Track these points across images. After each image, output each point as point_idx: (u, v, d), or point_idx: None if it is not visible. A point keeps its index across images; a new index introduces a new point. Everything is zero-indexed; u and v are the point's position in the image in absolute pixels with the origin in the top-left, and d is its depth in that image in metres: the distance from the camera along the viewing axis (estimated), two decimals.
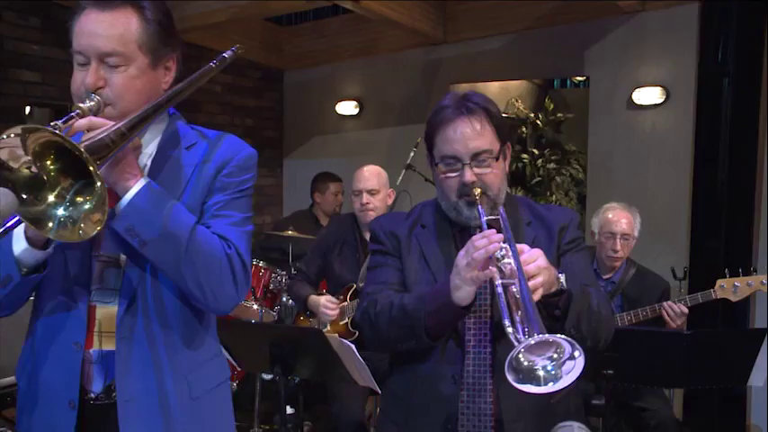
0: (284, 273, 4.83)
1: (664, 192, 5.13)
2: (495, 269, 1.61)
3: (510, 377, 1.42)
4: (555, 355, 1.45)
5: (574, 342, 1.41)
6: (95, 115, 1.50)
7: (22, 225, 1.49)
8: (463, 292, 1.68)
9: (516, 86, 7.62)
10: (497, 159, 1.87)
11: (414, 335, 1.78)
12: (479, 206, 1.83)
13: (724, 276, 3.43)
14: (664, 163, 5.17)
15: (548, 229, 1.96)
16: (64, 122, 1.41)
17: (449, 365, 1.85)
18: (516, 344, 1.46)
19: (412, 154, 5.05)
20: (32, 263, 1.51)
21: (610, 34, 5.34)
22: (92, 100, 1.51)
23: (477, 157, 1.84)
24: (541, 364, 1.46)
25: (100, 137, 1.35)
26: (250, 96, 6.71)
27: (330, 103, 6.76)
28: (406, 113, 6.37)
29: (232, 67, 6.42)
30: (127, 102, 1.55)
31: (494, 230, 1.68)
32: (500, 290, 1.58)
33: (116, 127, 1.39)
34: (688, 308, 3.43)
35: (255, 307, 4.72)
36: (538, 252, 1.67)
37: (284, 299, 4.80)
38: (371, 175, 3.83)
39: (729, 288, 3.40)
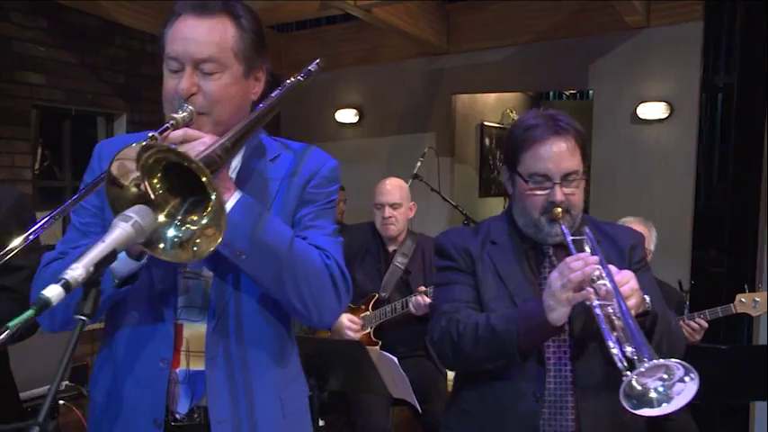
0: None
1: (667, 205, 5.22)
2: (591, 290, 1.64)
3: (626, 404, 1.45)
4: (665, 376, 1.47)
5: (689, 366, 1.44)
6: (187, 125, 1.47)
7: None
8: (558, 313, 1.70)
9: (511, 97, 7.72)
10: (582, 180, 1.91)
11: (504, 355, 1.79)
12: (563, 225, 1.86)
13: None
14: (667, 177, 5.25)
15: (618, 248, 1.99)
16: (160, 133, 1.40)
17: (529, 383, 1.86)
18: (621, 366, 1.49)
19: (419, 164, 5.08)
20: (125, 274, 1.45)
21: (615, 49, 5.42)
22: (184, 110, 1.47)
23: (566, 177, 1.87)
24: (652, 386, 1.48)
25: (208, 152, 1.31)
26: None
27: (329, 111, 6.75)
28: (407, 122, 6.39)
29: None
30: (219, 110, 1.52)
31: (588, 253, 1.72)
32: (598, 311, 1.61)
33: (220, 142, 1.35)
34: (708, 322, 3.48)
35: None
36: (630, 274, 1.70)
37: None
38: (394, 189, 3.83)
39: (749, 303, 3.45)
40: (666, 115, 5.23)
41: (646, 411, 1.47)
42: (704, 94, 5.10)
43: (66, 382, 3.08)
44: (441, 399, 3.70)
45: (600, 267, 1.67)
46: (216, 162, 1.32)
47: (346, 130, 6.75)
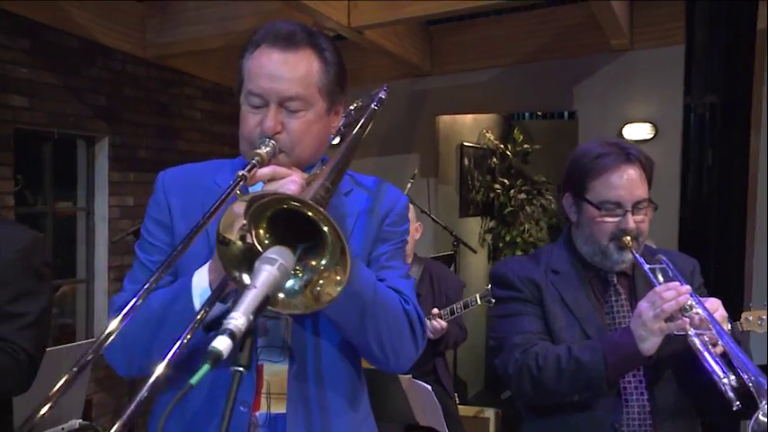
0: None
1: (653, 224, 5.26)
2: (687, 320, 1.64)
3: None
4: None
5: None
6: (269, 161, 1.41)
7: (202, 277, 1.39)
8: (650, 343, 1.71)
9: (486, 118, 7.78)
10: (650, 208, 1.93)
11: (591, 387, 1.78)
12: (636, 254, 1.88)
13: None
14: (653, 196, 5.31)
15: (680, 275, 2.00)
16: (248, 171, 1.34)
17: (606, 413, 1.84)
18: (731, 397, 1.51)
19: (409, 185, 5.06)
20: (212, 318, 1.36)
21: (599, 71, 5.52)
22: (267, 145, 1.41)
23: (637, 205, 1.90)
24: None
25: (312, 195, 1.24)
26: (228, 124, 6.55)
27: None
28: (390, 143, 6.37)
29: (211, 93, 6.30)
30: (302, 148, 1.48)
31: (677, 282, 1.73)
32: (696, 339, 1.62)
33: (320, 183, 1.28)
34: None
35: None
36: (718, 301, 1.73)
37: None
38: None
39: (755, 320, 3.49)
40: (651, 136, 5.34)
41: None
42: (687, 115, 5.21)
43: (80, 421, 2.94)
44: (451, 421, 3.67)
45: (690, 296, 1.68)
46: (322, 205, 1.25)
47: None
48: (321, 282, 1.19)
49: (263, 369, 1.49)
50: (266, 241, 1.20)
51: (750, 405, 1.51)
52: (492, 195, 7.64)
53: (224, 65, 6.36)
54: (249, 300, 0.99)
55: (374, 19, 4.71)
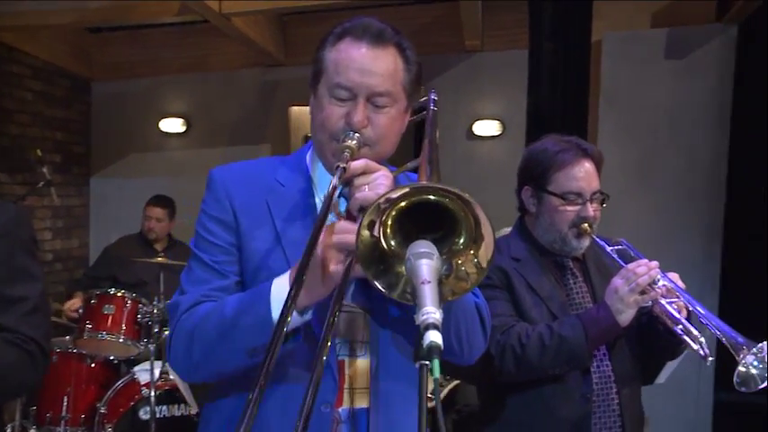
0: (152, 302, 4.46)
1: (502, 216, 5.65)
2: (659, 291, 1.86)
3: (742, 389, 1.67)
4: (755, 351, 1.74)
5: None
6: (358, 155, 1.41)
7: (282, 287, 1.34)
8: (627, 315, 1.91)
9: None
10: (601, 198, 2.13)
11: (573, 360, 1.95)
12: (597, 238, 2.08)
13: None
14: (501, 189, 5.68)
15: (627, 255, 2.23)
16: (345, 163, 1.34)
17: (576, 384, 2.01)
18: (702, 354, 1.79)
19: None
20: (290, 330, 1.33)
21: (451, 69, 5.79)
22: (352, 138, 1.40)
23: (594, 195, 2.08)
24: (749, 360, 1.73)
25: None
26: (61, 107, 6.05)
27: (152, 120, 6.36)
28: (240, 133, 6.23)
29: (41, 72, 5.77)
30: (384, 144, 1.49)
31: (645, 260, 1.93)
32: (671, 308, 1.85)
33: (428, 178, 1.28)
34: None
35: (122, 340, 4.37)
36: (676, 274, 1.96)
37: (156, 331, 4.43)
38: None
39: None
40: (499, 132, 5.71)
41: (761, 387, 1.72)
42: (530, 114, 5.65)
43: None
44: None
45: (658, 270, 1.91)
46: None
47: (172, 141, 6.40)
48: (461, 262, 1.20)
49: (344, 364, 1.47)
50: (392, 241, 1.19)
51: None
52: None
53: (55, 42, 5.86)
54: (430, 293, 1.01)
55: (245, 7, 4.61)
